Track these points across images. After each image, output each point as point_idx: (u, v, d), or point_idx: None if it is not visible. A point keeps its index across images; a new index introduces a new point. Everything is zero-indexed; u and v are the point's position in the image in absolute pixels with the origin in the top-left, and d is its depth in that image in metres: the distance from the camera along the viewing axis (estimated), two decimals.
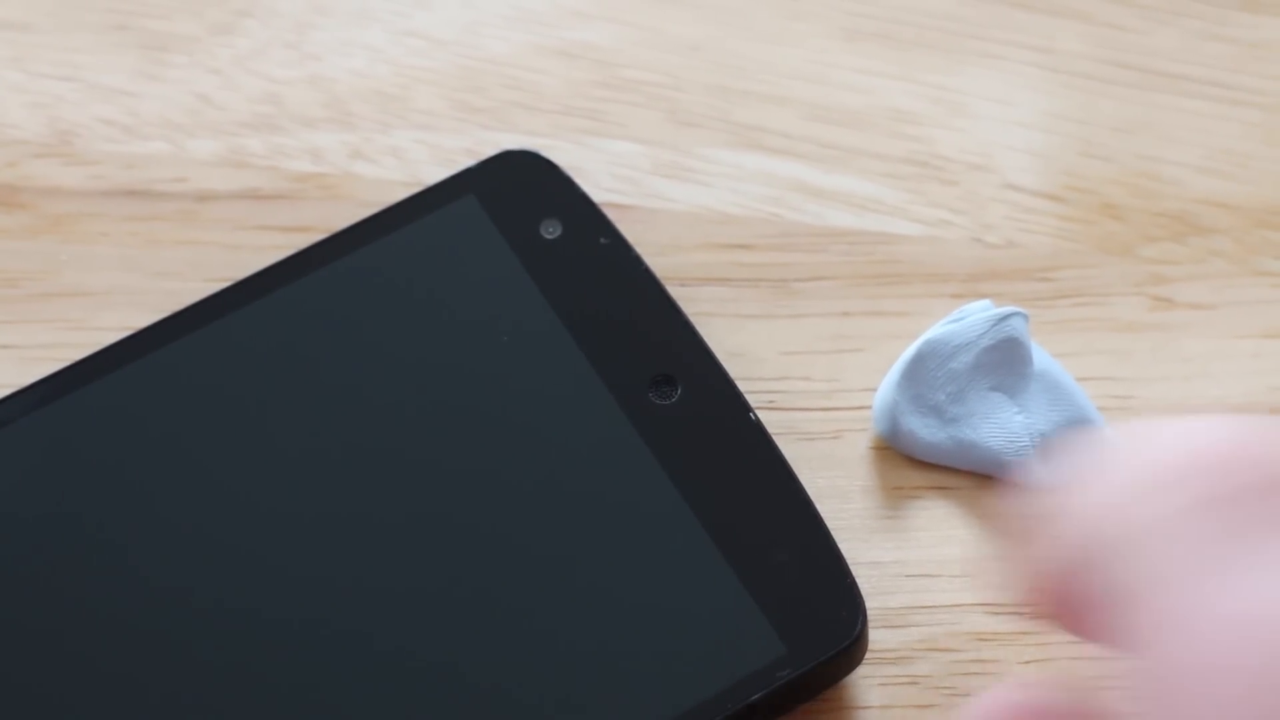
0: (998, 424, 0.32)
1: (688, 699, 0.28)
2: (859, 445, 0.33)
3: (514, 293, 0.32)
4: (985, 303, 0.33)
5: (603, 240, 0.32)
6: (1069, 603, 0.22)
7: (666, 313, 0.32)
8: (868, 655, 0.30)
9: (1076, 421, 0.32)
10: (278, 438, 0.30)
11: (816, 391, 0.33)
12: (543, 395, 0.31)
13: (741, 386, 0.31)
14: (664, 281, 0.32)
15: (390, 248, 0.32)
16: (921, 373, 0.32)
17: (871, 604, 0.30)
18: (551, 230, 0.32)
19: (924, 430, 0.32)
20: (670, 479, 0.30)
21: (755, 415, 0.31)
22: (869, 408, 0.33)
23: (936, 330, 0.32)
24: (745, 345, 0.34)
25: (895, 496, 0.32)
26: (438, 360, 0.31)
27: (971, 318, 0.32)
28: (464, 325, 0.32)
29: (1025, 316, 0.32)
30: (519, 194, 0.33)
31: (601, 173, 0.36)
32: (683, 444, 0.30)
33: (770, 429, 0.31)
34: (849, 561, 0.30)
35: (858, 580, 0.29)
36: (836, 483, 0.32)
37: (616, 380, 0.31)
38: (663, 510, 0.29)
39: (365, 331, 0.31)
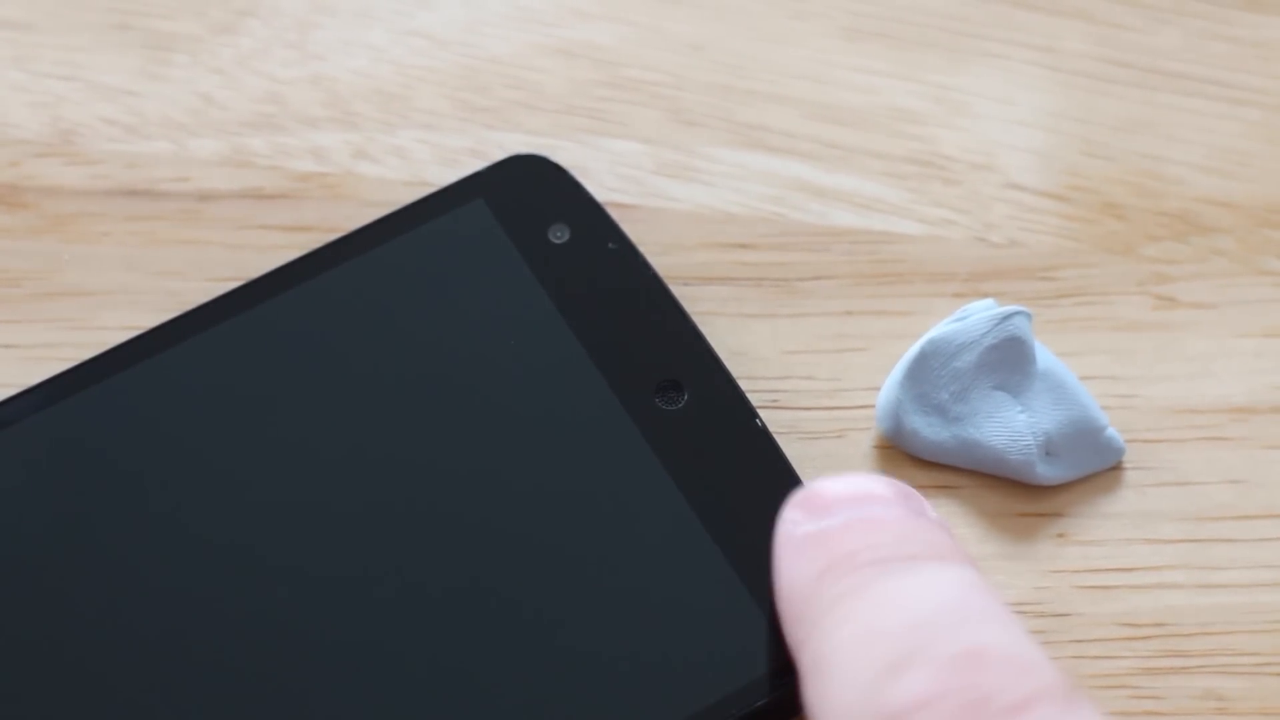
0: (1001, 423, 0.32)
1: (692, 704, 0.28)
2: (862, 444, 0.33)
3: (521, 297, 0.32)
4: (988, 302, 0.33)
5: (610, 245, 0.32)
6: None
7: (673, 318, 0.32)
8: None
9: (1080, 421, 0.32)
10: (285, 440, 0.30)
11: (819, 391, 0.33)
12: (549, 400, 0.31)
13: (744, 386, 0.31)
14: (667, 281, 0.32)
15: (398, 251, 0.32)
16: (925, 372, 0.32)
17: None
18: (559, 235, 0.32)
19: (927, 429, 0.32)
20: (676, 484, 0.30)
21: (761, 421, 0.31)
22: (872, 407, 0.33)
23: (939, 329, 0.32)
24: (748, 345, 0.34)
25: None
26: (443, 364, 0.31)
27: (974, 317, 0.32)
28: (471, 329, 0.32)
29: (1028, 315, 0.32)
30: (527, 198, 0.33)
31: (604, 172, 0.36)
32: (688, 449, 0.30)
33: (773, 428, 0.31)
34: None
35: None
36: None
37: (623, 385, 0.31)
38: (668, 516, 0.29)
39: (372, 335, 0.31)
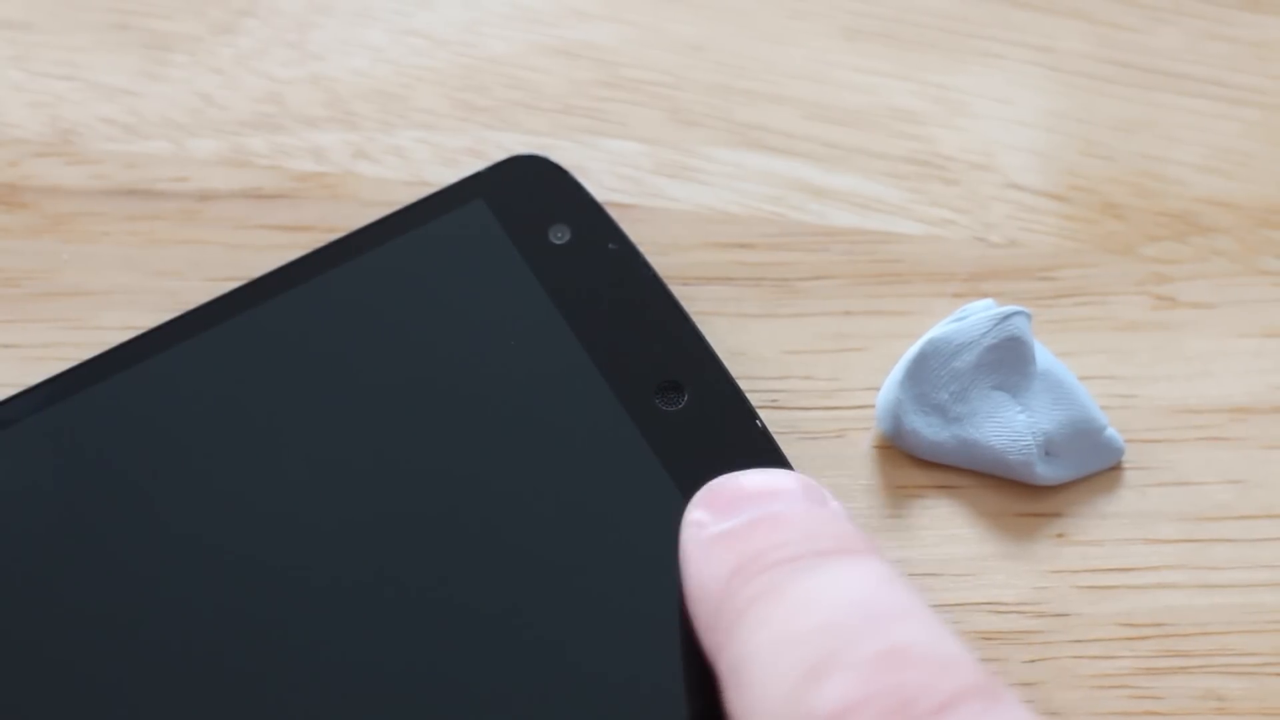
0: (1001, 423, 0.32)
1: (692, 706, 0.28)
2: (862, 444, 0.33)
3: (522, 298, 0.32)
4: (987, 302, 0.33)
5: (611, 246, 0.32)
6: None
7: (674, 319, 0.32)
8: None
9: (1079, 421, 0.32)
10: (285, 440, 0.30)
11: (819, 390, 0.33)
12: (549, 401, 0.31)
13: (744, 386, 0.31)
14: (666, 281, 0.32)
15: (398, 252, 0.32)
16: (924, 372, 0.32)
17: None
18: (560, 235, 0.32)
19: (927, 429, 0.32)
20: (676, 485, 0.30)
21: (761, 421, 0.31)
22: (872, 407, 0.33)
23: (939, 329, 0.32)
24: (747, 344, 0.34)
25: (898, 496, 0.32)
26: (444, 364, 0.31)
27: (974, 317, 0.32)
28: (471, 330, 0.32)
29: (1028, 315, 0.32)
30: (528, 199, 0.33)
31: (603, 172, 0.36)
32: (688, 450, 0.30)
33: (773, 428, 0.31)
34: None
35: None
36: (839, 482, 0.32)
37: (623, 386, 0.31)
38: (668, 516, 0.29)
39: (372, 335, 0.31)
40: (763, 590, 0.25)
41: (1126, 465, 0.33)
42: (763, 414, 0.31)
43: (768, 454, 0.30)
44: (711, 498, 0.28)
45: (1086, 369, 0.33)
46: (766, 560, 0.26)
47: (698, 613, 0.27)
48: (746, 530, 0.27)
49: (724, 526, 0.27)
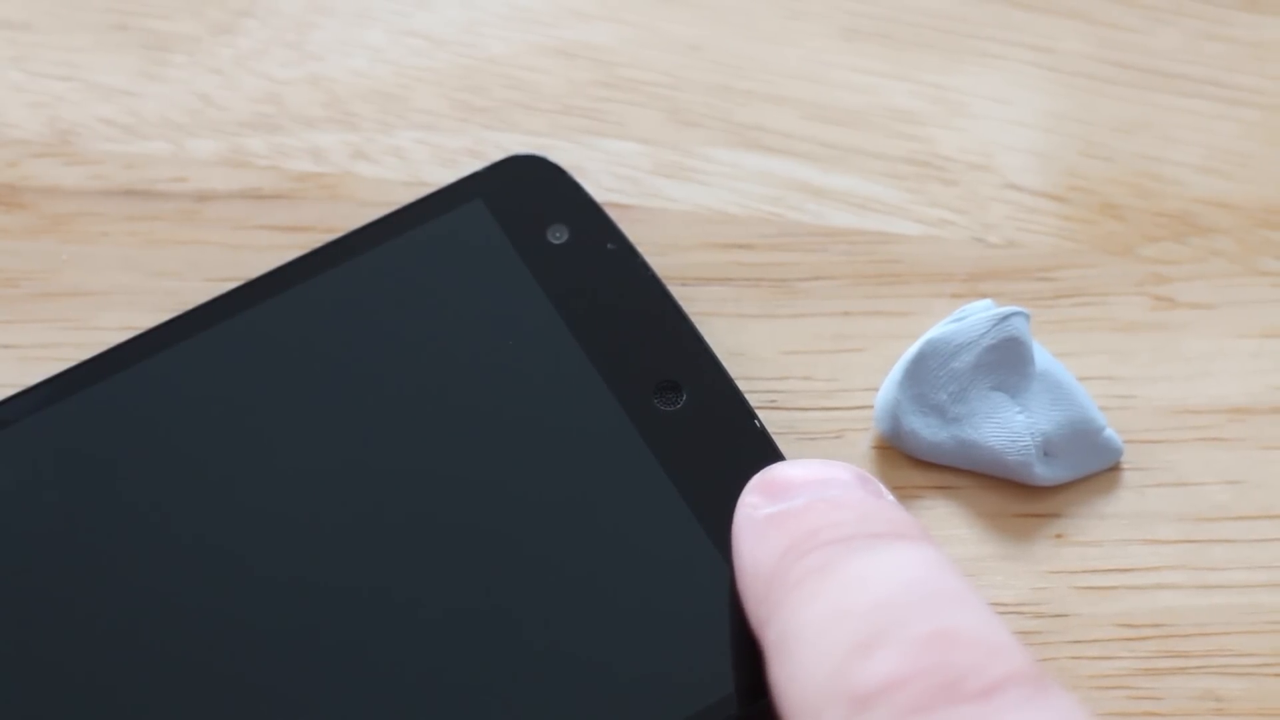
0: (999, 423, 0.32)
1: (690, 707, 0.28)
2: (861, 445, 0.33)
3: (520, 298, 0.32)
4: (986, 302, 0.33)
5: (609, 246, 0.32)
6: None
7: (672, 319, 0.32)
8: None
9: (1078, 421, 0.32)
10: (284, 440, 0.30)
11: (817, 391, 0.33)
12: (548, 401, 0.31)
13: (742, 386, 0.31)
14: (665, 281, 0.32)
15: (396, 252, 0.32)
16: (923, 372, 0.32)
17: None
18: (558, 235, 0.33)
19: (926, 430, 0.32)
20: (675, 485, 0.30)
21: (759, 422, 0.31)
22: (870, 407, 0.33)
23: (938, 330, 0.32)
24: (746, 345, 0.34)
25: (897, 496, 0.32)
26: (442, 364, 0.31)
27: (973, 317, 0.32)
28: (469, 330, 0.32)
29: (1026, 316, 0.32)
30: (526, 199, 0.33)
31: (601, 172, 0.36)
32: (687, 450, 0.30)
33: (771, 428, 0.31)
34: None
35: None
36: None
37: (622, 386, 0.31)
38: (667, 516, 0.29)
39: (370, 336, 0.31)
40: (815, 567, 0.25)
41: (1125, 466, 0.33)
42: (761, 414, 0.31)
43: (766, 454, 0.30)
44: (765, 483, 0.28)
45: (1085, 369, 0.33)
46: (820, 539, 0.26)
47: (747, 589, 0.27)
48: (801, 511, 0.27)
49: (778, 508, 0.27)
